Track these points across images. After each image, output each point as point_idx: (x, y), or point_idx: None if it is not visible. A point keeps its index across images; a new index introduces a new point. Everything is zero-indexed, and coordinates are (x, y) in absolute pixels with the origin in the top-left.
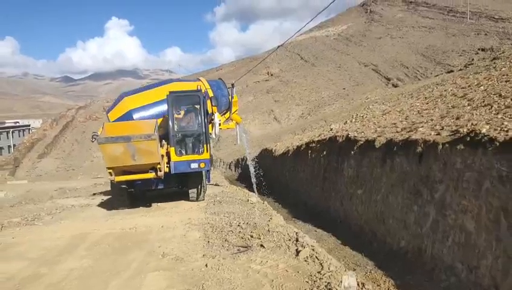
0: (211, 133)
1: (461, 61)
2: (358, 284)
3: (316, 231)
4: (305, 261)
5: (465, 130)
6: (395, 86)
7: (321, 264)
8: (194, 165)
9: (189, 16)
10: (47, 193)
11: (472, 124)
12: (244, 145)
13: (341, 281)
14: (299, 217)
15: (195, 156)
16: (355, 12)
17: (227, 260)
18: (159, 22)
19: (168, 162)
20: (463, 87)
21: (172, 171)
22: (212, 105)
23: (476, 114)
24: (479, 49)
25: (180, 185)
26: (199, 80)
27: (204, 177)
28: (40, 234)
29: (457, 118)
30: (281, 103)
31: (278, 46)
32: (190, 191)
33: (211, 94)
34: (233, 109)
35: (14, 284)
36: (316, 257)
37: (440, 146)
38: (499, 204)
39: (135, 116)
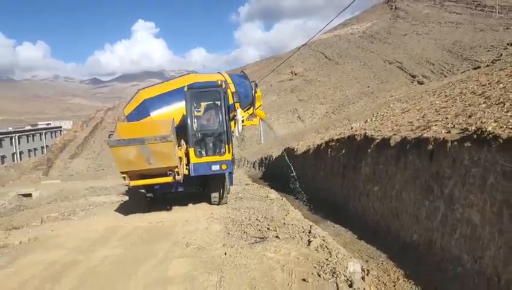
0: (233, 131)
1: (489, 56)
2: (363, 270)
3: (334, 226)
4: (316, 250)
5: (473, 127)
6: (421, 84)
7: (330, 252)
8: (215, 167)
9: (213, 17)
10: (79, 191)
11: (481, 122)
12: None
13: (347, 267)
14: (319, 213)
15: (216, 157)
16: (380, 9)
17: (245, 249)
18: (184, 24)
19: (188, 164)
20: (483, 85)
21: (192, 174)
22: (234, 101)
23: (488, 112)
24: (507, 44)
25: (201, 188)
26: (220, 74)
27: (226, 179)
28: (76, 227)
29: (470, 116)
30: (305, 102)
31: (302, 45)
32: (212, 194)
33: (233, 89)
34: (256, 104)
35: (57, 268)
36: (326, 246)
37: (449, 144)
38: (502, 198)
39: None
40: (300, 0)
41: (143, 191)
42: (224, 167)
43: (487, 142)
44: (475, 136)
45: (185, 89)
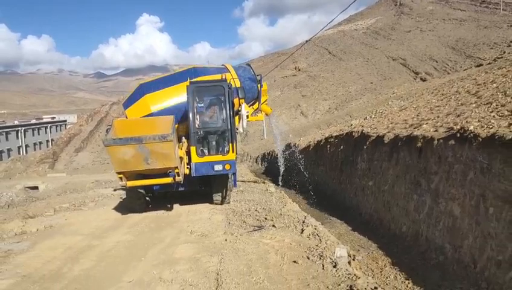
0: (237, 128)
1: (492, 54)
2: (349, 256)
3: (330, 219)
4: (308, 237)
5: (458, 126)
6: (424, 80)
7: (320, 239)
8: (218, 167)
9: (218, 11)
10: (84, 185)
11: (467, 121)
12: (275, 137)
13: (334, 252)
14: (317, 207)
15: (220, 157)
16: (384, 5)
17: (243, 236)
18: (189, 18)
19: (189, 163)
20: (479, 84)
21: (193, 174)
22: (239, 97)
23: (475, 112)
24: (511, 42)
25: (203, 187)
26: (224, 66)
27: (230, 180)
28: (87, 217)
29: (459, 116)
30: (308, 98)
31: (306, 41)
32: (214, 195)
33: (238, 83)
34: (262, 99)
35: (74, 251)
36: (317, 234)
37: (436, 141)
38: (479, 192)
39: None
40: None
41: (142, 191)
42: (227, 167)
43: (468, 140)
44: (458, 135)
45: (187, 83)
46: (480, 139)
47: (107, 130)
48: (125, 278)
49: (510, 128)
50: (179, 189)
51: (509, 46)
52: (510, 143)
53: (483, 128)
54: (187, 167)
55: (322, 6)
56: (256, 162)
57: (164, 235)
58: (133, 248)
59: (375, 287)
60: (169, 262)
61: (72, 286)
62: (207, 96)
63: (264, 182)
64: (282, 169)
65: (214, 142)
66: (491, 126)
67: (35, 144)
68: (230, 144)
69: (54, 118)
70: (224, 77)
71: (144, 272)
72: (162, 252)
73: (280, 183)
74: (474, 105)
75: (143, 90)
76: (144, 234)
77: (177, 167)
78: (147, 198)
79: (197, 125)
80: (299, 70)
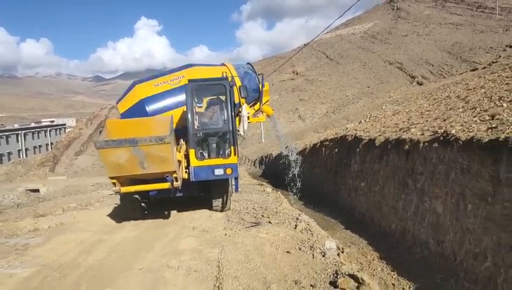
0: (238, 129)
1: (488, 58)
2: (338, 248)
3: (325, 218)
4: (301, 232)
5: (441, 130)
6: (420, 84)
7: (312, 233)
8: (218, 172)
9: (216, 14)
10: (85, 187)
11: (451, 125)
12: (279, 138)
13: (324, 244)
14: (313, 208)
15: (220, 160)
16: (381, 9)
17: (242, 231)
18: (187, 22)
19: (187, 167)
20: (469, 89)
21: (192, 179)
22: (240, 96)
23: (461, 116)
24: (506, 46)
25: (202, 192)
26: (224, 65)
27: (231, 185)
28: (94, 215)
29: (445, 120)
30: (305, 102)
31: (304, 45)
32: (214, 201)
33: (238, 82)
34: (264, 100)
35: (86, 245)
36: (309, 229)
37: (421, 144)
38: (459, 191)
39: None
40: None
41: (137, 197)
42: (229, 171)
43: (450, 143)
44: (441, 138)
45: (186, 81)
46: (461, 142)
47: (100, 132)
48: (135, 266)
49: (488, 132)
50: (177, 195)
51: (505, 50)
52: (486, 146)
53: (464, 132)
54: (185, 171)
55: (319, 10)
56: (254, 165)
57: (168, 231)
58: (140, 241)
59: (358, 271)
60: (174, 253)
61: (89, 273)
62: (207, 95)
63: (261, 185)
64: (293, 172)
65: (214, 145)
66: (471, 130)
67: (35, 147)
68: (232, 147)
69: (53, 121)
70: (225, 76)
71: (152, 261)
72: (167, 245)
73: (293, 194)
74: (461, 110)
75: (145, 107)
76: (149, 230)
77: (175, 171)
78: (143, 204)
79: (196, 127)
80: (297, 74)
